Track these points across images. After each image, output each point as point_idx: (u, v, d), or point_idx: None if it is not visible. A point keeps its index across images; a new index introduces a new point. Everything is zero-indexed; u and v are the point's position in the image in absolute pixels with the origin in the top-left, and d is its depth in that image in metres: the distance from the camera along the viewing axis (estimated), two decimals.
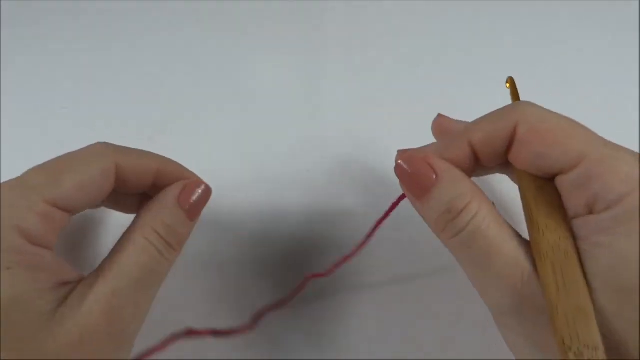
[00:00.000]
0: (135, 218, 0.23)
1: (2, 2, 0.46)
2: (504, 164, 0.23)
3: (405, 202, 0.24)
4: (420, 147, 0.24)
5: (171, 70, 0.42)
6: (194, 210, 0.23)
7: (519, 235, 0.21)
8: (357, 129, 0.37)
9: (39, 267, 0.20)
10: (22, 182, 0.21)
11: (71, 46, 0.44)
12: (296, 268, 0.31)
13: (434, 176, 0.21)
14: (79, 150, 0.23)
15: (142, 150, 0.25)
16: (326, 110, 0.39)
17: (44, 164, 0.22)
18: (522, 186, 0.21)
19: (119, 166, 0.23)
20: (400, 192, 0.24)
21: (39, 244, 0.20)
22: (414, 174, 0.21)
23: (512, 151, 0.21)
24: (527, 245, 0.20)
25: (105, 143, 0.23)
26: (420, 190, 0.21)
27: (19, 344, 0.18)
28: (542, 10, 0.46)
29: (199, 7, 0.46)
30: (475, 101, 0.39)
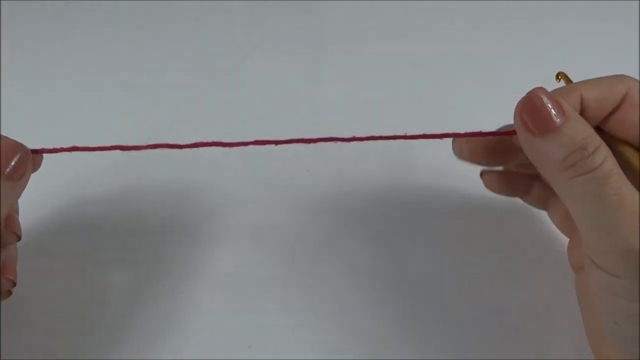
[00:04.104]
0: None
1: (2, 2, 0.46)
2: None
3: None
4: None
5: (171, 70, 0.42)
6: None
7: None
8: (358, 128, 0.37)
9: None
10: None
11: (71, 46, 0.44)
12: (297, 266, 0.31)
13: (562, 114, 0.21)
14: None
15: None
16: (326, 109, 0.39)
17: None
18: (625, 153, 0.22)
19: None
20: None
21: None
22: (543, 108, 0.21)
23: (615, 117, 0.23)
24: None
25: None
26: (547, 125, 0.21)
27: None
28: (542, 10, 0.46)
29: (198, 6, 0.46)
30: (476, 100, 0.39)
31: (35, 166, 0.26)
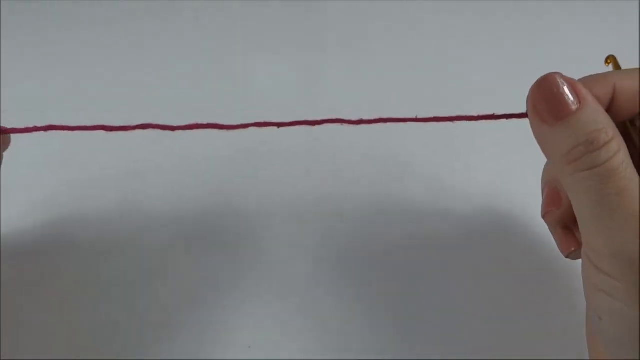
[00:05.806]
0: None
1: (2, 1, 0.46)
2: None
3: None
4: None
5: (171, 70, 0.42)
6: None
7: None
8: (358, 128, 0.37)
9: None
10: None
11: (71, 46, 0.44)
12: (297, 266, 0.31)
13: (578, 101, 0.20)
14: None
15: None
16: (326, 109, 0.39)
17: None
18: None
19: None
20: None
21: None
22: (557, 94, 0.20)
23: None
24: None
25: None
26: (559, 112, 0.20)
27: None
28: (543, 9, 0.46)
29: (198, 6, 0.46)
30: (477, 100, 0.39)
31: (6, 146, 0.25)
